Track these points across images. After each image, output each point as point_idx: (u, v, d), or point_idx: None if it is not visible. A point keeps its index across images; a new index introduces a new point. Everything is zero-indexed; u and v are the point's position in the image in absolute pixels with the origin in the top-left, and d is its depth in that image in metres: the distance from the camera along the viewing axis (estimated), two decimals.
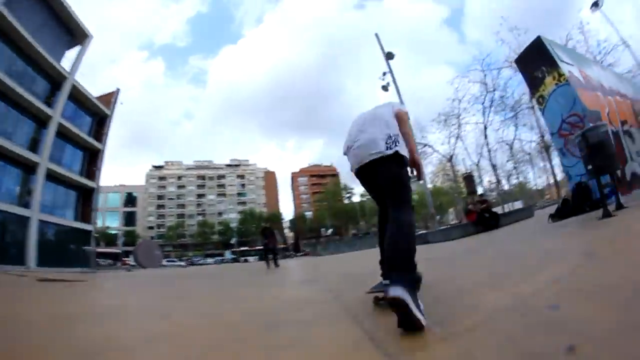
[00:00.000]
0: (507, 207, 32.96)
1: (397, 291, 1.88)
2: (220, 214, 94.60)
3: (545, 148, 33.50)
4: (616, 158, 6.80)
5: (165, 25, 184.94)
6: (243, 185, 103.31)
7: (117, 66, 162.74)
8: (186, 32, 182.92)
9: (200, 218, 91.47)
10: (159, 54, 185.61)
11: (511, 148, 39.11)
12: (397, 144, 2.77)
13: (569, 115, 9.96)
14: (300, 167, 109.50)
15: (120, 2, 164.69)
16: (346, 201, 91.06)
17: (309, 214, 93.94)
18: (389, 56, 21.54)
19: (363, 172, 2.93)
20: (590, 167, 6.60)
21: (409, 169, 2.86)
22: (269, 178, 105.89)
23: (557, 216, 9.53)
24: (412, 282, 2.09)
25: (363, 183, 3.12)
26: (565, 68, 10.15)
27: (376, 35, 21.87)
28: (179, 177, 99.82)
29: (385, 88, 22.01)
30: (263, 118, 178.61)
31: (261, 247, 19.01)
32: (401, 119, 3.02)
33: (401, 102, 19.01)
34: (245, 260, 51.03)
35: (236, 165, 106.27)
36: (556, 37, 24.91)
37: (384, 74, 21.85)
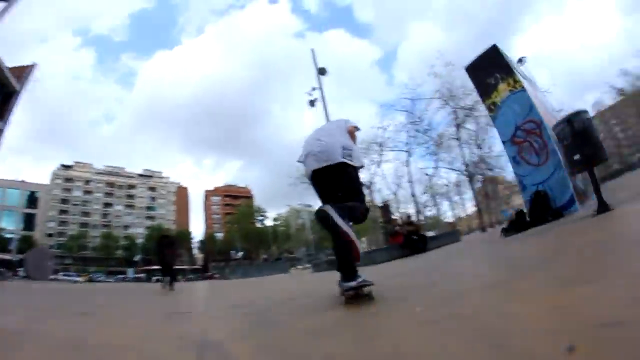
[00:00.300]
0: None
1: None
2: (126, 227, 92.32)
3: (470, 177, 34.12)
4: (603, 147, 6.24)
5: (105, 14, 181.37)
6: (153, 198, 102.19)
7: (45, 46, 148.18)
8: (125, 26, 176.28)
9: (105, 230, 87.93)
10: (93, 44, 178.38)
11: (430, 179, 40.47)
12: (351, 157, 3.36)
13: (524, 122, 9.88)
14: (215, 185, 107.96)
15: None
16: (259, 225, 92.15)
17: (219, 235, 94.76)
18: (322, 72, 21.78)
19: (319, 175, 3.36)
20: (577, 157, 5.97)
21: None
22: (181, 194, 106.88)
23: (511, 229, 9.41)
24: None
25: (317, 186, 3.50)
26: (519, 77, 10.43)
27: (312, 50, 22.29)
28: (87, 182, 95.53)
29: (312, 103, 22.31)
30: (184, 131, 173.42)
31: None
32: (351, 134, 3.68)
33: (328, 118, 20.02)
34: (158, 281, 48.27)
35: (148, 176, 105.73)
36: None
37: (313, 89, 22.12)
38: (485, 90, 11.07)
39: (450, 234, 19.54)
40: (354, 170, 3.39)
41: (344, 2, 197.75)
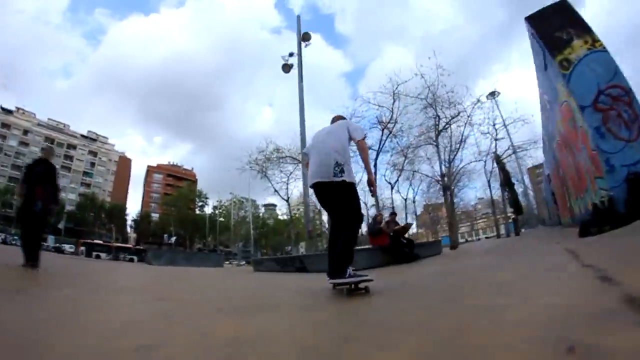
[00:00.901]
0: None
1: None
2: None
3: (444, 188, 32.36)
4: None
5: None
6: (93, 164, 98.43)
7: None
8: None
9: None
10: None
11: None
12: (343, 173, 3.83)
13: (608, 86, 8.21)
14: (159, 163, 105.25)
15: None
16: (198, 212, 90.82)
17: (155, 215, 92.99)
18: (305, 37, 20.52)
19: (317, 188, 4.03)
20: None
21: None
22: (123, 165, 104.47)
23: (595, 224, 7.53)
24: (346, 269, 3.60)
25: (317, 196, 4.15)
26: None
27: (298, 17, 21.63)
28: (26, 132, 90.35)
29: (286, 68, 21.19)
30: (140, 104, 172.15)
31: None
32: (362, 148, 4.30)
33: (301, 89, 19.14)
34: (98, 257, 46.79)
35: (92, 139, 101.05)
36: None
37: (291, 54, 21.05)
38: (555, 44, 9.45)
39: (433, 244, 17.26)
40: (346, 184, 3.85)
41: (327, 10, 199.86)
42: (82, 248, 51.44)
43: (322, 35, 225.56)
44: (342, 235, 3.75)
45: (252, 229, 63.15)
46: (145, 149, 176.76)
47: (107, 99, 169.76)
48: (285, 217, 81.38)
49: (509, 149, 32.27)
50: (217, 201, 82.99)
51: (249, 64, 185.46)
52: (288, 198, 35.42)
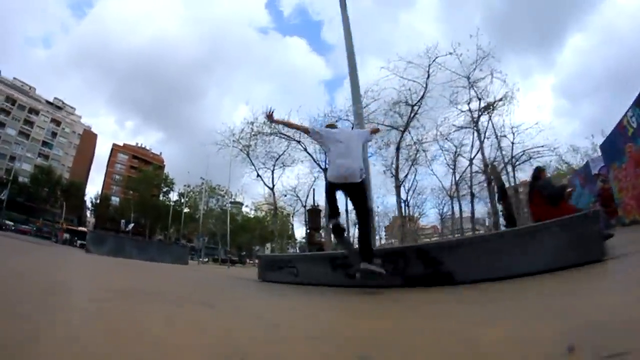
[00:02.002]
0: None
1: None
2: (12, 158, 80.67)
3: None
4: None
5: None
6: (54, 134, 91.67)
7: None
8: None
9: None
10: None
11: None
12: (363, 175, 5.13)
13: None
14: (126, 143, 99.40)
15: None
16: (162, 198, 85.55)
17: (116, 199, 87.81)
18: None
19: (342, 186, 5.22)
20: None
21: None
22: (88, 139, 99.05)
23: None
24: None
25: (334, 190, 5.35)
26: None
27: None
28: None
29: None
30: (117, 85, 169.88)
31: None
32: (374, 132, 7.02)
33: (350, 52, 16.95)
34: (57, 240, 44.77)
35: (58, 107, 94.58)
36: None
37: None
38: None
39: None
40: (365, 189, 5.29)
41: (316, 17, 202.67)
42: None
43: (308, 40, 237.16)
44: (369, 229, 5.29)
45: (228, 221, 56.16)
46: (116, 133, 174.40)
47: (84, 75, 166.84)
48: (253, 214, 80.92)
49: (523, 154, 30.90)
50: (185, 186, 75.32)
51: (232, 59, 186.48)
52: (273, 186, 31.60)
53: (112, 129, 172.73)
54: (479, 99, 25.57)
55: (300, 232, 79.15)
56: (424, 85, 24.40)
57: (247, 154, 29.91)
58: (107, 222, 79.30)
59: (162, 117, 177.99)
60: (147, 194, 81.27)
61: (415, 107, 24.82)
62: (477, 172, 30.70)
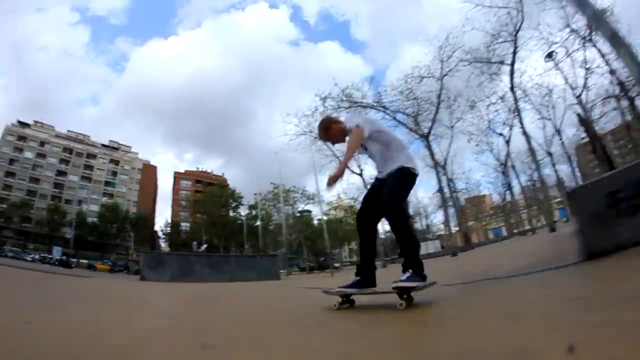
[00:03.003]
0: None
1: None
2: (79, 202, 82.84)
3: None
4: None
5: None
6: (115, 173, 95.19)
7: (41, 16, 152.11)
8: (124, 10, 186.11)
9: (53, 202, 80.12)
10: (89, 23, 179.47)
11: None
12: None
13: None
14: (187, 169, 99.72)
15: None
16: (232, 214, 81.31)
17: (185, 224, 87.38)
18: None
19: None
20: None
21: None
22: (149, 173, 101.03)
23: None
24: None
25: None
26: None
27: None
28: (42, 143, 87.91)
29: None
30: (169, 123, 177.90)
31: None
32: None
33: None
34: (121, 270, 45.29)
35: (114, 148, 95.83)
36: None
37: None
38: None
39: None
40: None
41: (341, 17, 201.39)
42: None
43: (340, 42, 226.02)
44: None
45: (324, 222, 51.35)
46: (177, 166, 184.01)
47: (135, 122, 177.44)
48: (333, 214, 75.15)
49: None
50: (256, 194, 68.12)
51: (272, 77, 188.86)
52: (362, 172, 27.60)
53: (172, 163, 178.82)
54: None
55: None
56: (520, 9, 21.61)
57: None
58: (179, 247, 76.62)
59: (218, 144, 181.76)
60: (215, 212, 78.03)
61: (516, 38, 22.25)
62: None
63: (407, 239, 3.53)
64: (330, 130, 4.07)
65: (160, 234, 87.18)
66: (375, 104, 26.11)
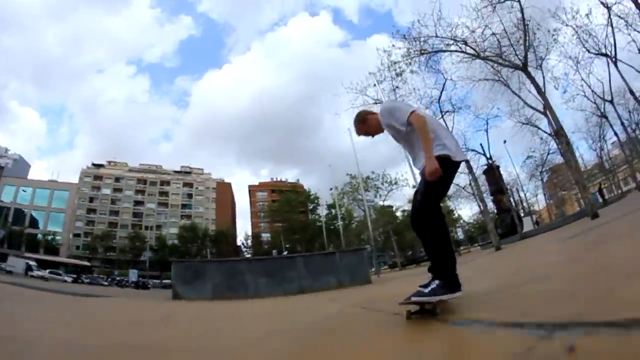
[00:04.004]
0: None
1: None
2: (159, 227, 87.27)
3: None
4: None
5: (156, 44, 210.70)
6: (190, 195, 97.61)
7: (102, 76, 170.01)
8: (175, 52, 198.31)
9: (133, 230, 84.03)
10: (146, 71, 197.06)
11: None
12: None
13: None
14: (261, 181, 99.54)
15: (116, 14, 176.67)
16: (311, 217, 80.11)
17: (266, 235, 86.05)
18: None
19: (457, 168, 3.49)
20: None
21: None
22: (223, 190, 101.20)
23: None
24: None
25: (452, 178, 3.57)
26: None
27: None
28: (117, 179, 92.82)
29: None
30: (240, 145, 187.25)
31: None
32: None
33: None
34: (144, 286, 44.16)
35: (186, 173, 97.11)
36: None
37: None
38: None
39: None
40: None
41: (382, 8, 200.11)
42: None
43: (388, 33, 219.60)
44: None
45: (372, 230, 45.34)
46: (254, 182, 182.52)
47: (208, 149, 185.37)
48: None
49: None
50: (332, 190, 61.40)
51: (330, 82, 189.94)
52: (450, 131, 23.45)
53: (250, 181, 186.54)
54: None
55: (467, 211, 69.50)
56: None
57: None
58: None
59: (291, 156, 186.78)
60: (293, 217, 76.98)
61: None
62: None
63: (440, 247, 3.12)
64: (366, 122, 3.84)
65: (242, 247, 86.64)
66: (452, 40, 21.54)
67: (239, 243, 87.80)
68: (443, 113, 24.67)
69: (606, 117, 33.10)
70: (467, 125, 62.80)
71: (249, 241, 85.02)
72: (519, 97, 24.52)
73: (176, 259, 39.17)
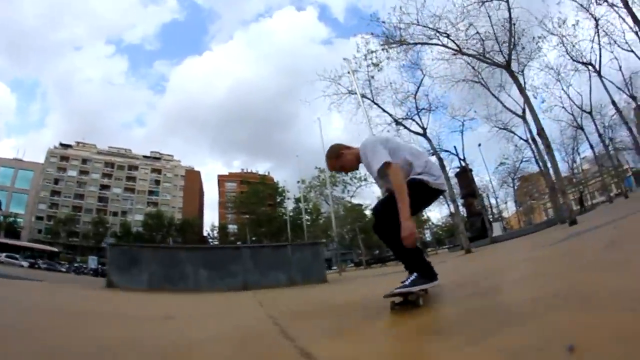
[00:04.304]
0: None
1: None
2: (124, 213, 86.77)
3: None
4: None
5: (138, 25, 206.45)
6: (157, 182, 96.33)
7: (80, 54, 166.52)
8: (157, 35, 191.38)
9: (98, 215, 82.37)
10: (125, 53, 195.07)
11: None
12: None
13: None
14: (230, 171, 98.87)
15: None
16: (278, 210, 77.87)
17: (233, 227, 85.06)
18: None
19: (436, 195, 3.66)
20: None
21: None
22: (192, 179, 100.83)
23: None
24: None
25: (427, 203, 3.75)
26: None
27: None
28: (84, 161, 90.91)
29: None
30: (214, 134, 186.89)
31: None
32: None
33: None
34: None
35: (155, 158, 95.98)
36: None
37: None
38: None
39: None
40: None
41: (368, 9, 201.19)
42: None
43: (373, 34, 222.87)
44: None
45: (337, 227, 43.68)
46: (225, 173, 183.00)
47: (181, 136, 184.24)
48: None
49: None
50: (299, 182, 59.60)
51: (310, 77, 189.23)
52: (425, 129, 23.49)
53: (222, 172, 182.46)
54: None
55: (436, 213, 70.37)
56: None
57: (372, 98, 23.00)
58: None
59: (265, 149, 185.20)
60: (259, 209, 75.03)
61: None
62: None
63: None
64: (340, 157, 3.76)
65: (209, 238, 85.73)
66: (434, 31, 21.29)
67: (205, 234, 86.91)
68: (419, 110, 23.66)
69: (582, 129, 33.92)
70: (442, 126, 62.64)
71: (215, 232, 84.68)
72: (498, 99, 24.86)
73: (114, 242, 38.25)
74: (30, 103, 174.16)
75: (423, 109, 23.99)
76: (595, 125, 32.47)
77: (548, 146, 19.51)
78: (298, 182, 59.64)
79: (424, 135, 22.85)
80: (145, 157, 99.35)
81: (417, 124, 23.28)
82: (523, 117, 23.27)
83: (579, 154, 44.90)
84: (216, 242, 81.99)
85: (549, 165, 20.92)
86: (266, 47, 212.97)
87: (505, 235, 32.30)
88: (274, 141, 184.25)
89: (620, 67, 27.57)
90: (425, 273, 3.20)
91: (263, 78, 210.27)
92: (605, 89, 27.60)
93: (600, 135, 33.41)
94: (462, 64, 23.18)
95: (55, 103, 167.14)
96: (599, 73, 27.06)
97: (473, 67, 23.26)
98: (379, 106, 23.07)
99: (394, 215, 3.13)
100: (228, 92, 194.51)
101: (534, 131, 21.21)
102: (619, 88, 28.19)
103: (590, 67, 27.43)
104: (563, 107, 33.08)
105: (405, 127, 23.11)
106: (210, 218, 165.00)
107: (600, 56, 26.36)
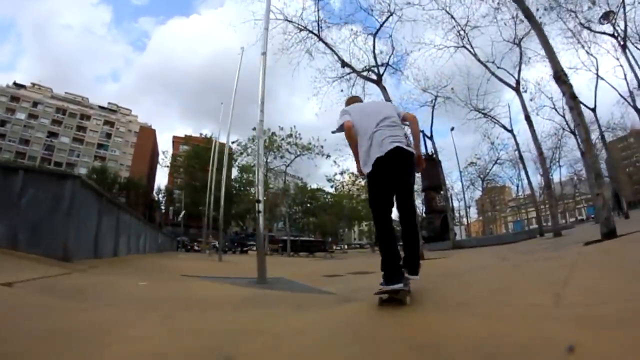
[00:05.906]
0: None
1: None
2: (70, 165, 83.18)
3: None
4: None
5: None
6: (109, 135, 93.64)
7: None
8: None
9: (45, 165, 79.11)
10: (111, 3, 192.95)
11: None
12: (410, 145, 3.74)
13: None
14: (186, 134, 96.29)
15: None
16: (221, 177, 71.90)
17: (178, 191, 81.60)
18: None
19: (392, 157, 3.52)
20: None
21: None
22: (146, 135, 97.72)
23: None
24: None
25: (379, 175, 3.57)
26: None
27: None
28: (35, 104, 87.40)
29: None
30: (188, 100, 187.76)
31: None
32: (414, 121, 4.05)
33: None
34: None
35: (112, 110, 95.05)
36: None
37: None
38: None
39: None
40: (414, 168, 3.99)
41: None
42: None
43: (363, 23, 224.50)
44: (416, 232, 3.82)
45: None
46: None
47: (154, 98, 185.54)
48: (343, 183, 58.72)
49: None
50: (235, 143, 50.23)
51: (292, 59, 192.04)
52: (380, 75, 18.40)
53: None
54: None
55: None
56: None
57: (319, 35, 19.06)
58: (174, 217, 74.00)
59: (237, 122, 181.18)
60: (198, 174, 65.56)
61: None
62: None
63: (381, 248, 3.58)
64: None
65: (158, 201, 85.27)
66: None
67: (157, 196, 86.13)
68: (378, 64, 18.57)
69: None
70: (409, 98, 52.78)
71: (161, 195, 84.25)
72: (487, 67, 21.64)
73: None
74: (3, 43, 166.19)
75: (382, 64, 18.93)
76: (598, 122, 29.62)
77: (573, 96, 11.94)
78: (233, 142, 49.36)
79: (379, 83, 17.96)
80: (100, 107, 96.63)
81: (372, 71, 18.60)
82: (517, 89, 20.88)
83: (560, 166, 45.62)
84: (162, 207, 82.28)
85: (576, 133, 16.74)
86: (252, 21, 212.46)
87: (473, 241, 28.88)
88: (248, 116, 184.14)
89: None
90: (412, 270, 3.52)
91: (247, 51, 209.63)
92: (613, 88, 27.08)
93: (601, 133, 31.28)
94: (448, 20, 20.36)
95: (30, 46, 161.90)
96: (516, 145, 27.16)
97: (458, 32, 20.72)
98: (326, 43, 19.10)
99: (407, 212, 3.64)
100: (210, 60, 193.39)
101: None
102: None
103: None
104: (554, 109, 31.80)
105: (355, 71, 18.76)
106: (164, 181, 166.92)
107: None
